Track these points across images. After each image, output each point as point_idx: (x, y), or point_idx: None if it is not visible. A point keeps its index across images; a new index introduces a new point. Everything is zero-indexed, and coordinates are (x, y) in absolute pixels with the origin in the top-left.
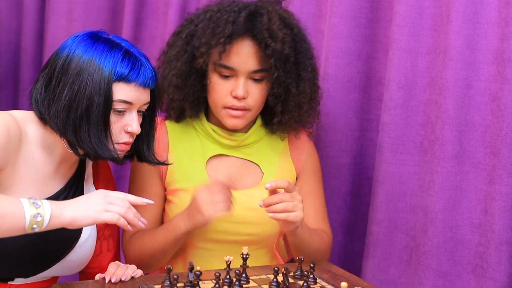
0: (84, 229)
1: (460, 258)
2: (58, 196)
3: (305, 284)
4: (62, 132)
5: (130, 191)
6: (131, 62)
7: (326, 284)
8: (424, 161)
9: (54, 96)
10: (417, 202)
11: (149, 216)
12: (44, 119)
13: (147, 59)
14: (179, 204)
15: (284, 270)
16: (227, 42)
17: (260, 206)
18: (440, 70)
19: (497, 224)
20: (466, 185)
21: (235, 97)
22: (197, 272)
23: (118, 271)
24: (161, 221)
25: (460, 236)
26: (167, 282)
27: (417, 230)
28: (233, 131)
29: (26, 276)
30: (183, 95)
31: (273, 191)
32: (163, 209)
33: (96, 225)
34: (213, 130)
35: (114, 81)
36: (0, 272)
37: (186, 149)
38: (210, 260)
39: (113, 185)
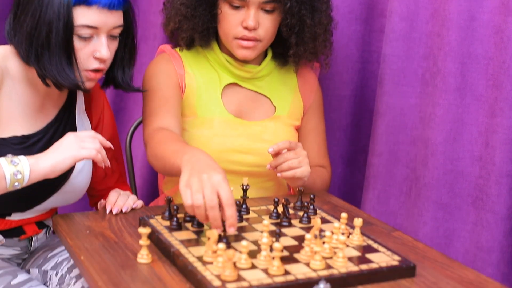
0: (76, 165)
1: (460, 191)
2: (49, 128)
3: (305, 215)
4: (26, 60)
5: (146, 99)
6: None
7: (326, 215)
8: (426, 93)
9: (19, 25)
10: (418, 135)
11: (173, 117)
12: (14, 45)
13: None
14: (194, 130)
15: (284, 201)
16: None
17: (268, 169)
18: (443, 2)
19: (497, 157)
20: (468, 117)
21: (246, 28)
22: None
23: (119, 201)
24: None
25: (460, 169)
26: (167, 213)
27: (418, 162)
28: (244, 62)
29: (22, 210)
30: (192, 25)
31: (277, 153)
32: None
33: None
34: (227, 60)
35: (74, 5)
36: None
37: (203, 76)
38: None
39: (109, 114)
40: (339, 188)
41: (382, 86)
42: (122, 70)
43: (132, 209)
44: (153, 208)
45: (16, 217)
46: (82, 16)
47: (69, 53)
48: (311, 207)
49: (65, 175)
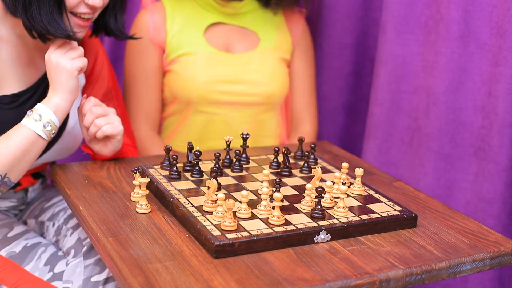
0: (70, 115)
1: (462, 141)
2: (40, 83)
3: (305, 164)
4: (13, 11)
5: (127, 67)
6: None
7: (327, 164)
8: (428, 41)
9: None
10: (420, 83)
11: (153, 91)
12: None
13: None
14: (178, 69)
15: (285, 150)
16: None
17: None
18: None
19: (500, 107)
20: (470, 66)
21: None
22: (197, 152)
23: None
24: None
25: (462, 118)
26: (167, 162)
27: (419, 111)
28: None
29: None
30: None
31: None
32: (162, 83)
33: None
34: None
35: None
36: None
37: (184, 18)
38: (214, 125)
39: (105, 62)
40: (340, 137)
41: (384, 33)
42: (114, 17)
43: (126, 157)
44: (151, 158)
45: None
46: None
47: (60, 2)
48: (312, 156)
49: (58, 132)
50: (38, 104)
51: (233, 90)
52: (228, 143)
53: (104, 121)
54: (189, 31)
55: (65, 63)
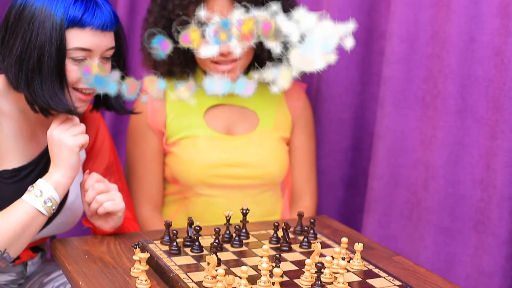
0: (70, 191)
1: (461, 214)
2: (41, 158)
3: (305, 239)
4: (15, 86)
5: (128, 149)
6: (84, 5)
7: (327, 239)
8: (426, 115)
9: (7, 50)
10: (419, 157)
11: (153, 173)
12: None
13: (105, 0)
14: (179, 152)
15: (285, 225)
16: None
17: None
18: (443, 24)
19: (499, 180)
20: (468, 140)
21: (222, 55)
22: (197, 227)
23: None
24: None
25: (461, 192)
26: (167, 237)
27: (418, 185)
28: None
29: None
30: (169, 58)
31: None
32: (164, 163)
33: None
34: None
35: (67, 28)
36: None
37: (183, 102)
38: (214, 207)
39: (106, 137)
40: (339, 211)
41: (382, 108)
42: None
43: (127, 232)
44: (151, 233)
45: None
46: (76, 38)
47: (62, 77)
48: (311, 231)
49: (58, 208)
50: (39, 180)
51: (233, 173)
52: (228, 218)
53: (106, 197)
54: (189, 114)
55: (67, 139)
